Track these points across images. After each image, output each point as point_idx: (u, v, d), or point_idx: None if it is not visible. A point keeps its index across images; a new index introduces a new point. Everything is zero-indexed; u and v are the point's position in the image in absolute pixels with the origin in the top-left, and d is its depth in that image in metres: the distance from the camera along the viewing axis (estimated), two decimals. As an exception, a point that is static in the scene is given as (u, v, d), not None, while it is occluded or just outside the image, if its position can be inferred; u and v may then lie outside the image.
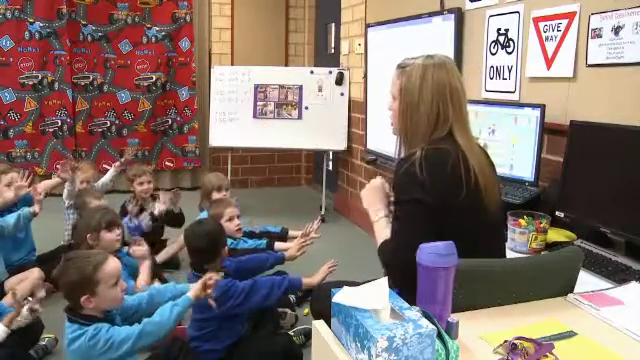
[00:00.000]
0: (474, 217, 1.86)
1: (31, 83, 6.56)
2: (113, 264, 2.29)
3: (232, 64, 7.07)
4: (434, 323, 1.27)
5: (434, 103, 1.89)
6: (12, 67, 6.46)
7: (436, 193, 1.82)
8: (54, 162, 6.64)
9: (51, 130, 6.70)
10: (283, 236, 4.03)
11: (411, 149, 1.92)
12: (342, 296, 1.35)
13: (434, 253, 1.45)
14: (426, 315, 1.31)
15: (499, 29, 3.46)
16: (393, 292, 1.38)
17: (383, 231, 2.02)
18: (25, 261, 3.92)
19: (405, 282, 1.58)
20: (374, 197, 2.12)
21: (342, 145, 5.95)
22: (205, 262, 2.84)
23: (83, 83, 6.79)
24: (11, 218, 3.65)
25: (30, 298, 3.61)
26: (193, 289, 2.48)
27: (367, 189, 2.15)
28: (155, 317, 2.29)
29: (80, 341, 2.19)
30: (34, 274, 3.72)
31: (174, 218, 4.44)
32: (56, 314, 3.15)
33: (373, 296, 1.32)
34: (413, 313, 1.30)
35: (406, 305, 1.34)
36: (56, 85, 6.63)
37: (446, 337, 1.30)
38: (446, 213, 1.82)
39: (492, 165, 2.04)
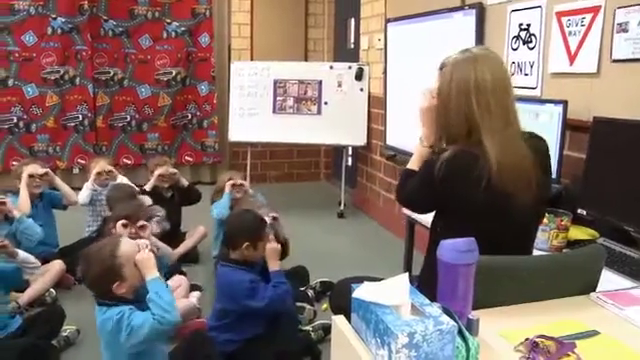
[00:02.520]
0: (494, 221, 1.85)
1: (53, 78, 6.62)
2: (127, 244, 2.34)
3: (251, 59, 7.08)
4: (455, 320, 1.26)
5: (461, 102, 1.86)
6: (35, 62, 6.52)
7: (449, 199, 1.86)
8: (75, 156, 6.73)
9: (72, 125, 6.76)
10: None
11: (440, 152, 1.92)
12: (362, 291, 1.35)
13: (455, 250, 1.44)
14: (447, 312, 1.30)
15: (521, 24, 3.43)
16: (413, 288, 1.38)
17: (416, 158, 2.08)
18: (47, 253, 3.96)
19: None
20: (429, 119, 2.02)
21: (361, 141, 5.93)
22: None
23: (104, 78, 6.84)
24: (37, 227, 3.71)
25: (52, 290, 3.68)
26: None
27: (424, 108, 2.03)
28: (152, 296, 2.28)
29: (108, 325, 2.25)
30: (56, 266, 3.77)
31: (185, 194, 4.49)
32: (78, 306, 3.21)
33: (393, 292, 1.31)
34: (434, 309, 1.29)
35: (427, 301, 1.34)
36: (77, 80, 6.68)
37: (467, 334, 1.29)
38: (461, 213, 1.84)
39: (543, 154, 1.99)
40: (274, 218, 3.43)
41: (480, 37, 3.82)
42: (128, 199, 3.68)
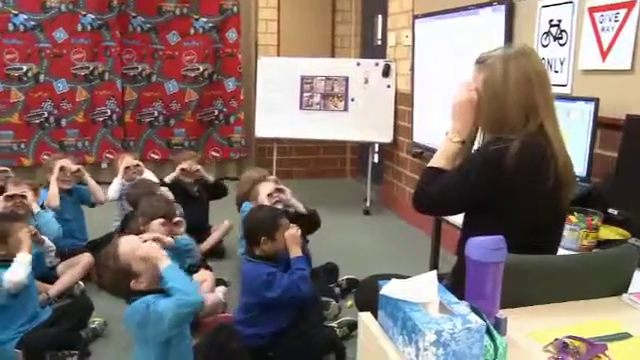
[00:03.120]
0: (546, 215, 1.84)
1: (83, 74, 6.72)
2: (125, 242, 2.38)
3: (278, 55, 7.09)
4: (483, 319, 1.25)
5: (520, 93, 1.83)
6: (65, 58, 6.62)
7: (514, 190, 1.80)
8: (103, 151, 6.82)
9: (101, 119, 6.85)
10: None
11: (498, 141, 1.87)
12: (390, 288, 1.34)
13: (483, 248, 1.43)
14: (475, 310, 1.29)
15: (551, 20, 3.38)
16: (442, 286, 1.37)
17: (442, 155, 1.99)
18: (75, 247, 4.02)
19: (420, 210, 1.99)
20: (464, 114, 1.97)
21: (388, 137, 5.91)
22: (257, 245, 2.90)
23: (132, 74, 6.92)
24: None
25: (81, 282, 3.74)
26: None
27: (463, 101, 1.96)
28: (169, 283, 2.30)
29: (136, 317, 2.28)
30: (84, 259, 3.83)
31: (211, 189, 4.51)
32: (105, 299, 3.25)
33: (422, 289, 1.31)
34: (462, 308, 1.28)
35: (455, 299, 1.33)
36: (106, 75, 6.76)
37: (495, 333, 1.28)
38: (511, 209, 1.81)
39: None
40: (278, 190, 3.47)
41: (509, 33, 3.78)
42: (149, 195, 3.70)
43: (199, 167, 4.64)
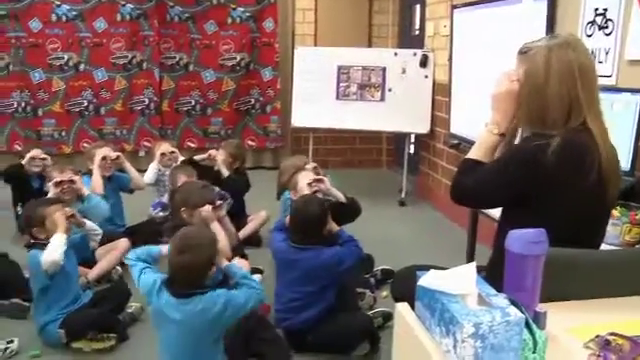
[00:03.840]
0: (589, 210, 1.81)
1: (121, 63, 6.82)
2: (223, 239, 2.60)
3: (315, 45, 7.08)
4: (522, 312, 1.24)
5: (562, 86, 1.79)
6: (105, 48, 6.73)
7: (554, 186, 1.78)
8: (141, 139, 6.92)
9: (139, 108, 6.95)
10: None
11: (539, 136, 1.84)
12: (428, 279, 1.34)
13: (524, 240, 1.41)
14: (514, 303, 1.28)
15: (597, 9, 3.30)
16: (480, 278, 1.36)
17: (480, 147, 1.97)
18: (114, 233, 4.10)
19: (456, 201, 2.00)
20: (505, 105, 1.93)
21: (425, 128, 5.87)
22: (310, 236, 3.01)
23: (170, 63, 7.00)
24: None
25: (118, 267, 3.81)
26: None
27: (504, 92, 1.93)
28: (240, 279, 2.51)
29: (212, 311, 2.37)
30: (122, 244, 3.90)
31: (228, 183, 4.53)
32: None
33: (460, 281, 1.30)
34: (501, 300, 1.27)
35: (493, 292, 1.32)
36: (144, 65, 6.85)
37: (534, 327, 1.27)
38: (552, 203, 1.79)
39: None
40: (318, 180, 3.51)
41: (551, 23, 3.71)
42: (195, 183, 3.74)
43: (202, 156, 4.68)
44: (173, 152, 4.61)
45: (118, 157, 4.33)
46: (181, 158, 4.68)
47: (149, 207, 4.42)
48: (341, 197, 3.56)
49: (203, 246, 2.42)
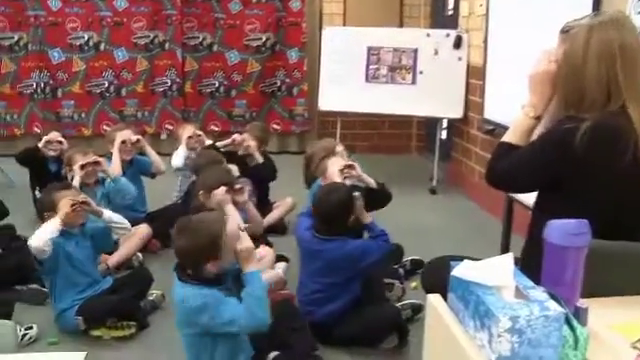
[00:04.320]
0: (626, 198, 1.78)
1: (143, 43, 6.86)
2: (233, 224, 2.40)
3: (344, 25, 7.04)
4: (562, 306, 1.22)
5: (601, 67, 1.76)
6: (125, 27, 6.79)
7: (585, 170, 1.76)
8: (163, 122, 6.97)
9: (161, 90, 6.99)
10: None
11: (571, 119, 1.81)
12: (462, 270, 1.33)
13: (564, 231, 1.39)
14: (553, 297, 1.26)
15: (645, -14, 3.22)
16: (517, 270, 1.34)
17: (516, 130, 1.96)
18: (135, 218, 4.13)
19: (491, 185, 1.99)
20: (541, 87, 1.91)
21: (458, 113, 5.81)
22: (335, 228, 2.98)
23: (192, 43, 7.01)
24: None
25: (139, 254, 3.85)
26: None
27: (541, 73, 1.90)
28: (250, 293, 2.33)
29: (186, 303, 2.31)
30: (143, 230, 3.94)
31: (257, 170, 4.54)
32: (163, 271, 3.34)
33: (496, 272, 1.29)
34: (539, 294, 1.25)
35: (531, 284, 1.30)
36: (166, 45, 6.88)
37: (575, 323, 1.24)
38: (586, 187, 1.77)
39: None
40: (348, 166, 3.48)
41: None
42: (209, 165, 3.75)
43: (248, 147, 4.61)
44: (199, 135, 4.64)
45: (139, 140, 4.36)
46: (207, 142, 4.71)
47: (172, 192, 4.47)
48: (372, 183, 3.55)
49: (199, 231, 2.32)
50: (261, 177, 4.61)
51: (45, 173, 4.36)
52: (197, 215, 2.49)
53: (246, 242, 2.34)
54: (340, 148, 3.92)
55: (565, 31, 1.88)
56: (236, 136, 4.59)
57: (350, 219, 3.00)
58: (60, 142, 4.43)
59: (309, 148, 4.20)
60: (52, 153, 4.40)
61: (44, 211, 3.10)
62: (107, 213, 3.28)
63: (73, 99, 6.84)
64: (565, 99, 1.86)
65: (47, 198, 3.11)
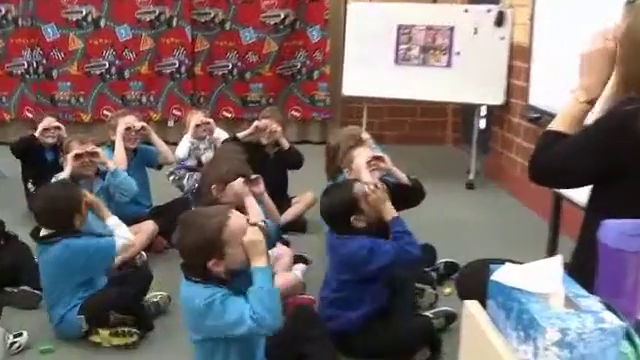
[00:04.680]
0: None
1: (148, 19, 6.88)
2: (238, 219, 2.37)
3: (371, 0, 7.01)
4: (620, 319, 1.20)
5: None
6: (129, 1, 6.81)
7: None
8: (170, 107, 6.99)
9: (168, 72, 7.02)
10: None
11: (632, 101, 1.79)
12: (504, 274, 1.32)
13: (620, 232, 1.37)
14: (609, 308, 1.24)
15: None
16: (567, 275, 1.32)
17: (565, 117, 1.93)
18: (139, 214, 4.16)
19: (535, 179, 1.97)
20: (597, 67, 1.88)
21: (498, 99, 5.78)
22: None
23: (203, 20, 7.02)
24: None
25: (143, 253, 3.86)
26: None
27: (597, 51, 1.88)
28: (257, 290, 2.32)
29: (192, 304, 2.32)
30: (148, 227, 3.96)
31: (285, 157, 4.56)
32: (170, 272, 3.35)
33: (542, 277, 1.28)
34: (593, 303, 1.24)
35: (584, 292, 1.28)
36: (174, 22, 6.90)
37: (636, 338, 1.22)
38: None
39: None
40: (377, 158, 3.45)
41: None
42: (218, 158, 3.76)
43: (277, 129, 4.63)
44: (208, 123, 4.65)
45: (144, 127, 4.37)
46: (217, 130, 4.71)
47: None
48: (404, 178, 3.53)
49: (195, 228, 2.32)
50: (289, 164, 4.66)
51: (41, 163, 4.40)
52: (196, 209, 2.51)
53: (252, 235, 2.34)
54: (367, 137, 3.90)
55: (630, 2, 1.86)
56: (259, 123, 4.58)
57: (351, 220, 2.95)
58: (58, 127, 4.47)
59: (332, 137, 4.19)
60: (50, 140, 4.44)
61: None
62: (113, 219, 3.24)
63: (70, 81, 6.88)
64: (626, 79, 1.83)
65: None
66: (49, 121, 4.53)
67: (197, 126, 4.58)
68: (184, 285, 2.39)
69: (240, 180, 3.22)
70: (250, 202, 3.16)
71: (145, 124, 4.44)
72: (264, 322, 2.27)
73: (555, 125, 1.94)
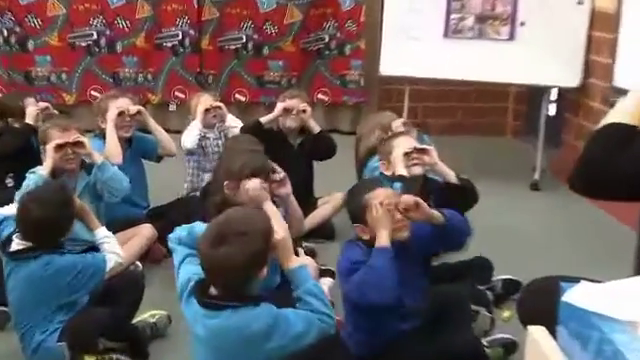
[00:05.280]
0: None
1: (145, -20, 6.94)
2: (281, 226, 2.53)
3: (417, -41, 7.02)
4: None
5: None
6: (123, -40, 6.87)
7: None
8: (172, 88, 7.04)
9: (169, 45, 7.07)
10: None
11: None
12: (578, 295, 1.30)
13: None
14: None
15: None
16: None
17: (633, 109, 1.95)
18: (133, 216, 4.19)
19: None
20: None
21: (574, 80, 5.76)
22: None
23: (213, -18, 7.06)
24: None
25: (138, 263, 3.88)
26: None
27: None
28: (308, 292, 2.44)
29: (250, 331, 2.37)
30: (144, 232, 3.99)
31: (315, 143, 4.58)
32: (169, 285, 3.35)
33: (629, 301, 1.26)
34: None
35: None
36: (177, -16, 6.95)
37: None
38: None
39: None
40: (420, 150, 3.47)
41: None
42: (231, 151, 3.79)
43: (307, 108, 4.65)
44: (219, 107, 4.67)
45: (139, 112, 4.40)
46: (229, 116, 4.74)
47: (181, 182, 4.51)
48: (452, 177, 3.52)
49: (249, 236, 2.36)
50: (319, 152, 4.69)
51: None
52: (235, 214, 2.52)
53: (283, 232, 2.45)
54: (408, 125, 3.90)
55: None
56: (284, 104, 4.60)
57: (357, 227, 3.00)
58: (46, 108, 4.57)
59: (361, 126, 4.20)
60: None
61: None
62: (102, 231, 3.27)
63: (49, 54, 6.96)
64: None
65: None
66: (29, 102, 4.58)
67: (206, 111, 4.59)
68: (223, 317, 2.39)
69: (256, 181, 3.21)
70: (270, 208, 3.14)
71: (141, 108, 4.47)
72: (330, 319, 2.40)
73: (616, 116, 1.96)
